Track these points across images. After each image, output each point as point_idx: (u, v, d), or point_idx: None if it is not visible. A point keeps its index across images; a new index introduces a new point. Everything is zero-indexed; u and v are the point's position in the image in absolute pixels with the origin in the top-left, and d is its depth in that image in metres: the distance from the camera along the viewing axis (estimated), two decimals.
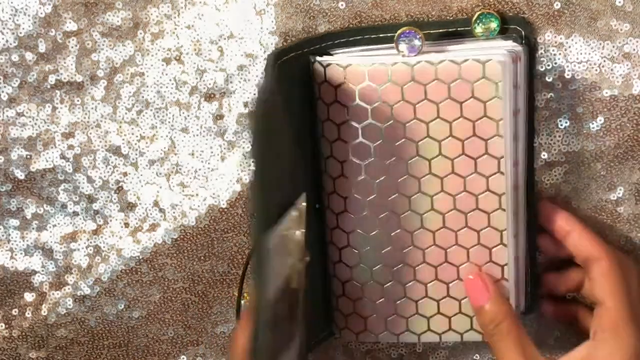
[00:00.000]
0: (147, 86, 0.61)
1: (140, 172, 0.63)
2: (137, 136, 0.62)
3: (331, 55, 0.59)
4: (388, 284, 0.61)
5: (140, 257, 0.65)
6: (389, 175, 0.58)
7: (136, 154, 0.63)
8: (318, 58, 0.58)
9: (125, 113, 0.62)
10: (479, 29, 0.58)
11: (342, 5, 0.60)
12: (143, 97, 0.61)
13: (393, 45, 0.57)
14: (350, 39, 0.59)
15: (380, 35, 0.59)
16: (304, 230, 0.54)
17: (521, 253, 0.61)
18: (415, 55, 0.57)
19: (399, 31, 0.57)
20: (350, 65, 0.57)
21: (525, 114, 0.59)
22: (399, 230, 0.59)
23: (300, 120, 0.58)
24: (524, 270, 0.61)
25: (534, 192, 0.61)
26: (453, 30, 0.59)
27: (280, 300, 0.50)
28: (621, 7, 0.59)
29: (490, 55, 0.55)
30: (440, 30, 0.59)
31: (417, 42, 0.57)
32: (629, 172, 0.62)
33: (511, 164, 0.57)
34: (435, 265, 0.59)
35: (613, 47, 0.59)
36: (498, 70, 0.54)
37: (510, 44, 0.58)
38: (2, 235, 0.64)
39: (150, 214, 0.64)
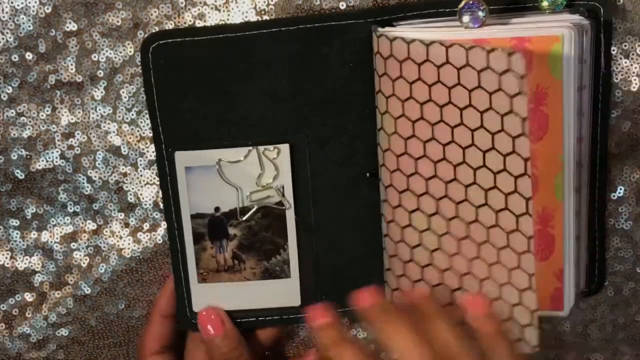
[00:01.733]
0: None
1: (140, 173, 0.63)
2: (137, 136, 0.62)
3: (394, 27, 0.58)
4: (446, 271, 0.60)
5: (141, 257, 0.65)
6: (427, 156, 0.57)
7: (136, 155, 0.63)
8: (380, 29, 0.57)
9: (125, 113, 0.62)
10: (545, 3, 0.56)
11: (342, 5, 0.60)
12: (143, 97, 0.61)
13: (455, 17, 0.56)
14: (408, 13, 0.59)
15: (440, 10, 0.58)
16: (261, 172, 0.61)
17: (582, 232, 0.61)
18: (478, 27, 0.55)
19: (462, 2, 0.55)
20: (395, 39, 0.56)
21: (592, 90, 0.59)
22: (435, 215, 0.58)
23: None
24: (585, 249, 0.62)
25: (603, 171, 0.62)
26: (520, 6, 0.58)
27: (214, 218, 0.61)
28: None
29: (550, 30, 0.54)
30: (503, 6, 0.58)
31: (480, 14, 0.55)
32: None
33: (574, 139, 0.57)
34: (489, 263, 0.58)
35: None
36: (521, 64, 0.51)
37: (576, 18, 0.57)
38: (2, 235, 0.64)
39: (151, 214, 0.64)
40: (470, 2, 0.56)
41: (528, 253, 0.55)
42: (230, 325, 0.62)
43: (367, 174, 0.62)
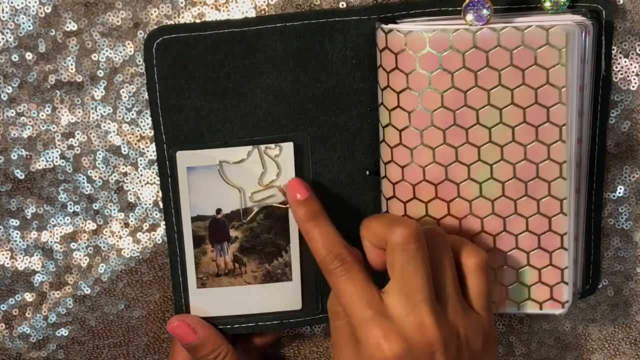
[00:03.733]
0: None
1: (140, 172, 0.63)
2: (137, 136, 0.62)
3: (397, 23, 0.58)
4: None
5: (140, 257, 0.65)
6: (448, 143, 0.58)
7: (136, 154, 0.63)
8: (382, 25, 0.58)
9: (126, 113, 0.62)
10: (547, 3, 0.57)
11: (342, 5, 0.60)
12: (143, 97, 0.61)
13: (460, 15, 0.57)
14: (412, 11, 0.59)
15: (442, 9, 0.59)
16: (263, 170, 0.61)
17: (581, 233, 0.61)
18: (482, 25, 0.56)
19: (466, 0, 0.56)
20: (411, 32, 0.56)
21: (592, 90, 0.59)
22: (457, 199, 0.59)
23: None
24: (582, 251, 0.62)
25: (601, 172, 0.62)
26: (524, 6, 0.58)
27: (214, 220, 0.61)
28: None
29: (555, 23, 0.55)
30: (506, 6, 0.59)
31: (485, 12, 0.56)
32: None
33: (575, 140, 0.58)
34: (493, 234, 0.59)
35: None
36: (562, 37, 0.54)
37: (579, 18, 0.57)
38: (2, 235, 0.64)
39: (150, 214, 0.64)
40: None
41: (559, 213, 0.57)
42: (204, 331, 0.61)
43: (367, 172, 0.62)
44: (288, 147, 0.60)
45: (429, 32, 0.56)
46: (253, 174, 0.61)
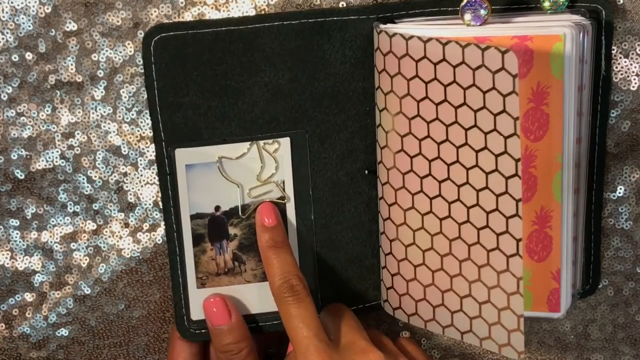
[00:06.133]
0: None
1: (140, 173, 0.63)
2: (137, 136, 0.62)
3: (395, 24, 0.58)
4: (437, 271, 0.59)
5: (141, 257, 0.65)
6: (441, 157, 0.57)
7: (136, 154, 0.63)
8: (381, 26, 0.57)
9: (125, 113, 0.62)
10: (546, 3, 0.57)
11: (342, 5, 0.60)
12: (143, 97, 0.61)
13: (457, 15, 0.56)
14: (410, 11, 0.59)
15: (442, 8, 0.59)
16: (262, 166, 0.61)
17: (580, 233, 0.61)
18: (480, 25, 0.55)
19: (464, 0, 0.56)
20: (412, 38, 0.55)
21: (591, 90, 0.59)
22: (448, 218, 0.58)
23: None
24: (581, 250, 0.62)
25: (601, 172, 0.62)
26: (522, 6, 0.58)
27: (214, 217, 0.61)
28: None
29: (551, 29, 0.54)
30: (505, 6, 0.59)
31: (482, 12, 0.56)
32: None
33: (574, 140, 0.57)
34: (479, 265, 0.57)
35: None
36: (515, 63, 0.51)
37: (578, 18, 0.57)
38: (2, 235, 0.64)
39: (150, 214, 0.64)
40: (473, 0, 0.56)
41: (516, 256, 0.55)
42: (238, 318, 0.61)
43: (366, 171, 0.62)
44: (286, 143, 0.60)
45: (407, 38, 0.55)
46: (251, 169, 0.61)
